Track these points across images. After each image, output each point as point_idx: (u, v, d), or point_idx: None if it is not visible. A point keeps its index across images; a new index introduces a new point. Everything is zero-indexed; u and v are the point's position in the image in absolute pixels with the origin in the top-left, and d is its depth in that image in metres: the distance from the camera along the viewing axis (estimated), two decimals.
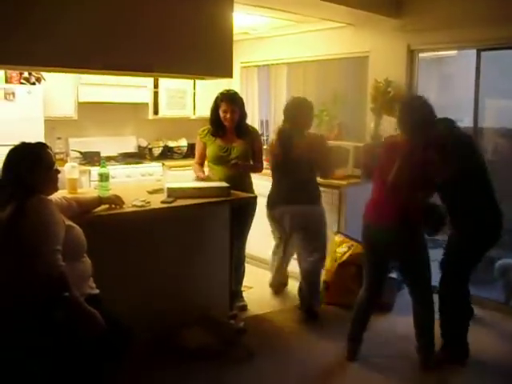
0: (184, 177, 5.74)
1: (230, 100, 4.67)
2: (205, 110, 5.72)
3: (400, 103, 3.98)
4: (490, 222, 3.92)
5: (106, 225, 3.59)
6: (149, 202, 3.82)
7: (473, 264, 4.05)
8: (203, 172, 4.85)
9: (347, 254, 5.08)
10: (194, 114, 7.45)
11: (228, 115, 4.66)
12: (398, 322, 4.64)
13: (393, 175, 3.65)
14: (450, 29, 5.20)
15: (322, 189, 5.41)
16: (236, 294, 4.87)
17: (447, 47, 5.69)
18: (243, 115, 4.79)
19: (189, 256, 4.21)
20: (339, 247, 5.18)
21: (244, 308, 4.95)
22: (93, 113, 6.78)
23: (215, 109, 4.72)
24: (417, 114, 3.73)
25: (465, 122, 5.94)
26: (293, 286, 5.63)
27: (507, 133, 6.49)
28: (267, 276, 5.73)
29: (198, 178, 4.80)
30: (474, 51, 5.27)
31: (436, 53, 6.18)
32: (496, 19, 4.85)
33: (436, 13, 5.32)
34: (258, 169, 4.95)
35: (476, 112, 5.32)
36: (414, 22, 5.50)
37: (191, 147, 6.61)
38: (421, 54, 5.73)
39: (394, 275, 4.97)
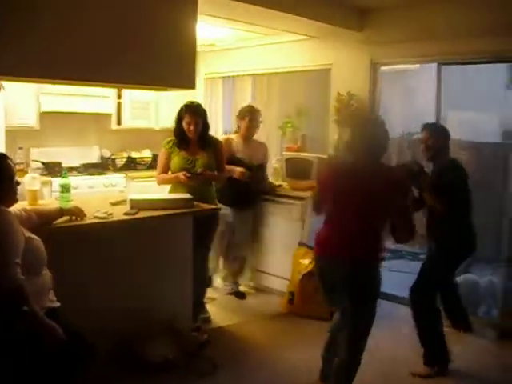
0: (147, 188, 5.71)
1: (194, 112, 4.65)
2: (169, 121, 5.70)
3: (358, 124, 3.78)
4: (469, 238, 4.13)
5: (68, 237, 3.54)
6: (111, 214, 3.78)
7: (449, 275, 4.32)
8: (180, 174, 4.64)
9: (311, 266, 5.08)
10: (158, 124, 7.41)
11: (191, 127, 4.63)
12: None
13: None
14: (411, 42, 5.29)
15: (283, 200, 5.51)
16: (199, 305, 4.85)
17: (409, 61, 5.78)
18: (206, 127, 4.77)
19: (152, 268, 4.17)
20: (303, 258, 5.20)
21: (207, 320, 4.92)
22: (55, 123, 6.71)
23: (179, 121, 4.70)
24: (375, 135, 3.40)
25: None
26: (254, 296, 5.67)
27: (471, 145, 6.60)
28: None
29: (182, 178, 4.57)
30: (435, 65, 5.37)
31: (398, 66, 6.28)
32: (456, 34, 4.96)
33: (398, 27, 5.41)
34: (224, 178, 4.96)
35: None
36: (377, 35, 5.59)
37: (155, 158, 6.57)
38: (383, 67, 5.81)
39: None
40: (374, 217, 3.29)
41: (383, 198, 3.24)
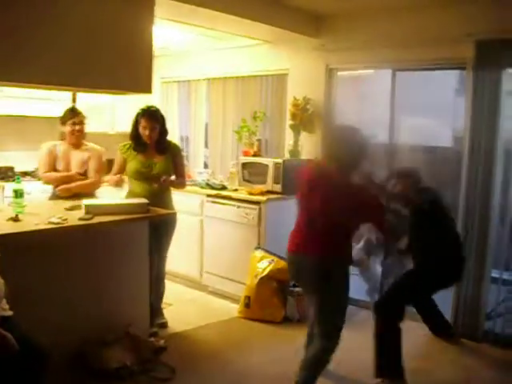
0: (103, 193, 5.63)
1: (150, 117, 4.63)
2: (124, 125, 5.65)
3: (335, 130, 3.82)
4: (450, 263, 4.14)
5: (22, 243, 3.48)
6: (66, 219, 3.72)
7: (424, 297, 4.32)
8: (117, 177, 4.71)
9: (268, 269, 5.13)
10: (114, 129, 7.33)
11: (147, 132, 4.61)
12: None
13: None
14: (366, 49, 5.37)
15: (240, 204, 5.57)
16: (156, 311, 4.82)
17: (364, 67, 5.86)
18: (164, 132, 4.76)
19: (107, 273, 4.12)
20: (259, 262, 5.22)
21: (164, 325, 4.89)
22: (8, 126, 6.56)
23: (135, 124, 4.67)
24: (353, 143, 3.47)
25: (380, 138, 6.13)
26: (211, 301, 5.68)
27: (424, 150, 6.72)
28: (187, 293, 5.87)
29: (114, 181, 4.67)
30: (390, 71, 5.47)
31: (354, 71, 6.35)
32: (409, 42, 5.06)
33: (354, 34, 5.48)
34: (184, 184, 4.96)
35: (392, 129, 5.51)
36: (333, 41, 5.65)
37: (110, 163, 6.50)
38: (339, 73, 5.88)
39: None
40: (330, 222, 3.38)
41: (341, 207, 3.32)
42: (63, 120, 4.88)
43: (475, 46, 4.65)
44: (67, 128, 4.85)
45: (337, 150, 3.52)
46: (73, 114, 4.87)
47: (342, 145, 3.50)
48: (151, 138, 4.64)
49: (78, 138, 4.89)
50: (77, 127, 4.84)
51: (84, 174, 4.88)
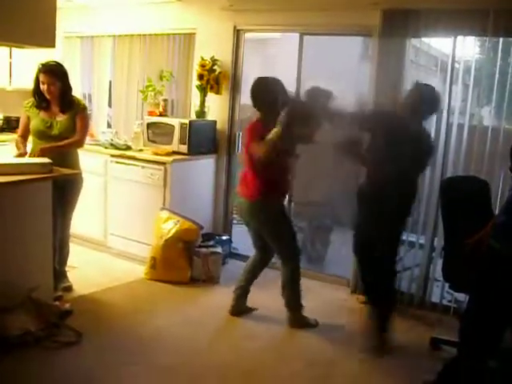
0: (1, 152, 5.40)
1: (49, 72, 4.45)
2: (23, 81, 5.40)
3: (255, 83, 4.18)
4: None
5: None
6: None
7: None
8: (24, 147, 4.57)
9: (173, 230, 5.13)
10: (10, 84, 6.96)
11: (45, 87, 4.45)
12: (224, 293, 4.75)
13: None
14: (274, 12, 5.38)
15: (145, 165, 5.54)
16: (60, 274, 4.71)
17: (271, 29, 5.87)
18: (66, 88, 4.57)
19: (7, 237, 3.94)
20: (165, 223, 5.20)
21: (69, 289, 4.79)
22: None
23: (37, 81, 4.49)
24: (270, 92, 4.08)
25: None
26: (117, 263, 5.65)
27: None
28: (92, 255, 5.75)
29: (20, 155, 4.50)
30: (297, 35, 5.50)
31: (261, 34, 6.35)
32: (317, 6, 5.10)
33: None
34: (72, 144, 4.62)
35: (298, 93, 5.56)
36: (241, 2, 5.60)
37: (7, 121, 6.23)
38: (247, 35, 5.85)
39: (218, 249, 5.30)
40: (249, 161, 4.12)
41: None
42: None
43: (381, 15, 4.76)
44: None
45: (256, 99, 4.13)
46: None
47: (260, 94, 4.13)
48: (51, 94, 4.48)
49: None
50: None
51: None
